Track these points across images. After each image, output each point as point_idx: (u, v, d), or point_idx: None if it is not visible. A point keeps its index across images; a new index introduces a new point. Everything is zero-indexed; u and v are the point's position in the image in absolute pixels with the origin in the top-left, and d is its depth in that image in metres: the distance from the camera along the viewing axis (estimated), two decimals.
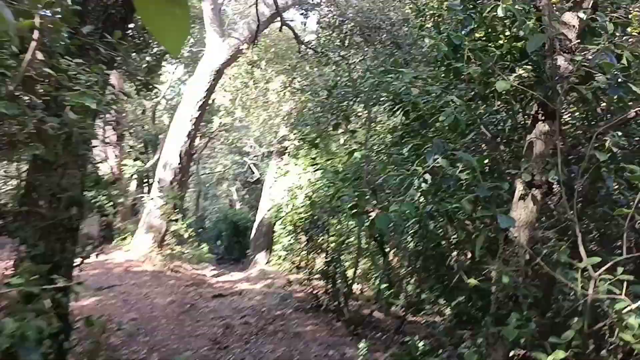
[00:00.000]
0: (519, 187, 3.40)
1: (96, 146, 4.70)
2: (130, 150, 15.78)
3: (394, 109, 5.05)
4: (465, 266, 5.04)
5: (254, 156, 22.56)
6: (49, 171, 4.24)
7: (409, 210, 3.23)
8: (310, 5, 12.10)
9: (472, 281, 3.50)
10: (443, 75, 3.97)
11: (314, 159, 11.44)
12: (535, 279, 3.45)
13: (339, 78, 8.76)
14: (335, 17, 10.44)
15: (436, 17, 8.71)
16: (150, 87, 6.18)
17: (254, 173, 26.60)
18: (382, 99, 8.85)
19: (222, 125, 17.43)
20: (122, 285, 10.03)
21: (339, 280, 9.15)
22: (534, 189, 3.35)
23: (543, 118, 3.31)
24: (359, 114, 10.38)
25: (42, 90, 2.50)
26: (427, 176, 3.24)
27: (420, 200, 3.46)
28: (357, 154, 4.55)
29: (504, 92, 3.25)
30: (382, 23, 9.48)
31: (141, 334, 7.39)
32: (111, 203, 13.92)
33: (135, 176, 15.14)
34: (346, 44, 10.08)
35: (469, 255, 5.55)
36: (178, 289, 10.57)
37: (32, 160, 4.35)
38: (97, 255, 4.77)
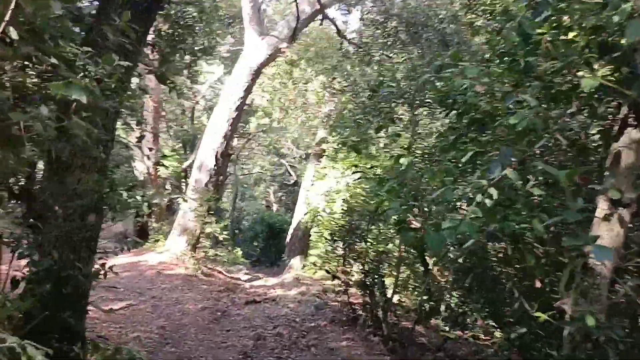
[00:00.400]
0: (602, 206, 2.84)
1: (109, 146, 4.30)
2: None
3: (447, 111, 4.53)
4: (520, 288, 4.47)
5: (292, 158, 22.19)
6: (64, 174, 3.89)
7: (469, 231, 2.70)
8: (354, 1, 11.61)
9: (542, 316, 2.94)
10: (507, 71, 3.43)
11: (355, 166, 10.94)
12: (619, 317, 2.88)
13: (382, 78, 8.26)
14: (379, 13, 9.93)
15: (488, 14, 8.13)
16: (168, 81, 5.80)
17: (291, 175, 26.28)
18: (427, 100, 8.33)
19: (260, 126, 17.09)
20: (153, 289, 9.77)
21: (377, 292, 8.63)
22: (620, 208, 2.78)
23: (635, 123, 2.74)
24: (402, 116, 9.86)
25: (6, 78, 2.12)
26: (493, 191, 2.71)
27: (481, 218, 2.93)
28: (402, 161, 4.01)
29: (587, 91, 2.69)
30: (429, 20, 8.93)
31: (169, 344, 7.05)
32: (146, 204, 13.79)
33: (171, 176, 14.97)
34: (390, 42, 9.56)
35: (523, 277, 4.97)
36: (210, 294, 10.25)
37: (47, 161, 4.01)
38: (105, 275, 4.37)
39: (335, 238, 9.94)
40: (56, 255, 3.91)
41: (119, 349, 2.48)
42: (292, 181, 24.90)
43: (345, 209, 10.15)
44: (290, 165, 22.00)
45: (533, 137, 3.18)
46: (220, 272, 12.47)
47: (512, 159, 2.82)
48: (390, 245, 9.76)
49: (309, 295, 11.06)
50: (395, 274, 8.54)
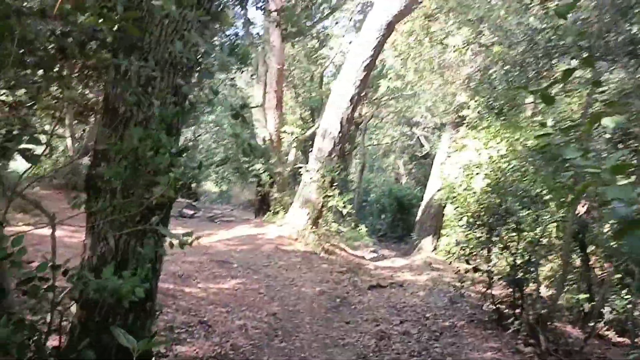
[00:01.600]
0: None
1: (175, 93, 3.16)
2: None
3: None
4: None
5: (425, 127, 20.37)
6: (120, 131, 2.86)
7: None
8: None
9: None
10: None
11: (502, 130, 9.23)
12: None
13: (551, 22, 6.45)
14: None
15: None
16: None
17: (423, 146, 24.55)
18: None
19: (390, 91, 15.56)
20: (268, 266, 8.96)
21: (531, 291, 6.98)
22: None
23: None
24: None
25: None
26: None
27: None
28: (606, 121, 2.42)
29: None
30: None
31: (278, 336, 6.09)
32: (267, 172, 13.13)
33: (294, 144, 14.12)
34: None
35: None
36: (330, 276, 9.23)
37: (102, 112, 3.02)
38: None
39: (475, 220, 8.39)
40: (112, 242, 2.94)
41: None
42: (423, 152, 23.16)
43: (489, 185, 8.58)
44: (422, 135, 20.17)
45: None
46: (343, 249, 11.44)
47: None
48: (543, 234, 8.06)
49: (441, 283, 9.66)
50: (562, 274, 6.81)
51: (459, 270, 7.81)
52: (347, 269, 9.93)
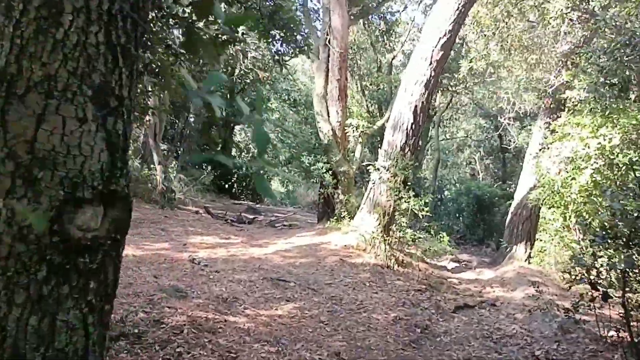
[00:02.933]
0: None
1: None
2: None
3: None
4: None
5: (505, 117, 18.13)
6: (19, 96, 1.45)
7: None
8: None
9: None
10: None
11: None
12: None
13: None
14: None
15: None
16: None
17: (501, 138, 22.27)
18: None
19: (471, 75, 13.60)
20: (332, 284, 7.49)
21: None
22: None
23: None
24: None
25: None
26: None
27: None
28: None
29: None
30: None
31: None
32: (330, 171, 11.67)
33: (360, 139, 12.56)
34: None
35: None
36: (407, 296, 7.65)
37: None
38: None
39: (591, 226, 6.62)
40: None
41: None
42: (512, 145, 20.81)
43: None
44: (507, 123, 17.83)
45: None
46: (420, 259, 9.78)
47: None
48: None
49: (542, 301, 7.82)
50: None
51: (556, 277, 6.00)
52: (427, 286, 8.31)
